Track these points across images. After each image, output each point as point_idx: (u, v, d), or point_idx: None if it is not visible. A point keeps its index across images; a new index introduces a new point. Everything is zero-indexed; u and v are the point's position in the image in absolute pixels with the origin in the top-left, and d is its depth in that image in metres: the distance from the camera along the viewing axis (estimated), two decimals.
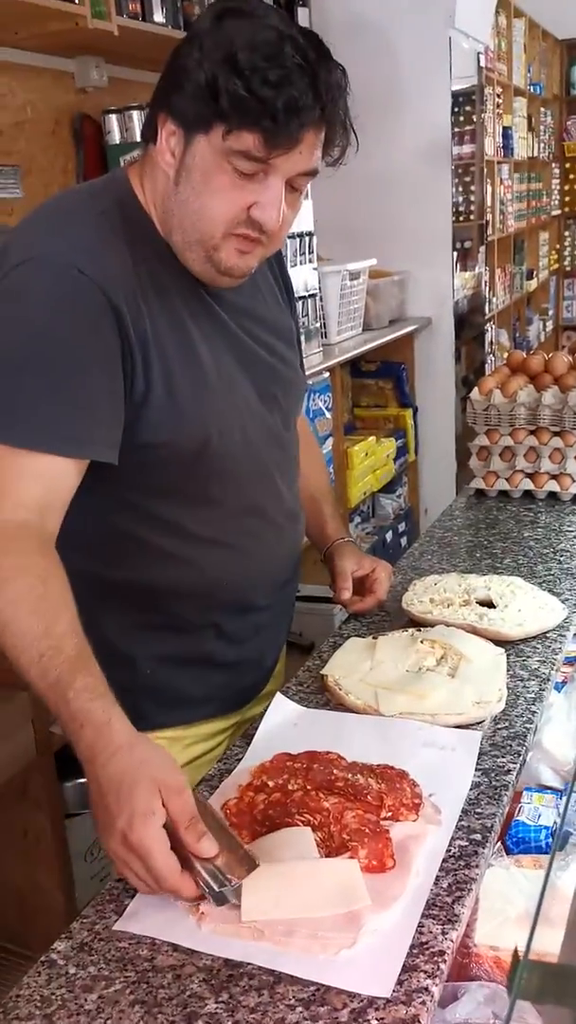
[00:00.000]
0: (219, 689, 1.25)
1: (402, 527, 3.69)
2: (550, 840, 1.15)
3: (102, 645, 1.03)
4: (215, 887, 0.82)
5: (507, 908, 1.04)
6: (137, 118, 2.46)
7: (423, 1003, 0.74)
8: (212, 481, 1.13)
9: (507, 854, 1.14)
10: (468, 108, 4.51)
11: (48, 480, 0.98)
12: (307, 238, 2.83)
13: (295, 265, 2.76)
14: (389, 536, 3.55)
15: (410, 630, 1.30)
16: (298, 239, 2.77)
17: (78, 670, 0.89)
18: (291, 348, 1.27)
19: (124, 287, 1.02)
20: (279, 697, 1.20)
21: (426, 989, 0.75)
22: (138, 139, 2.44)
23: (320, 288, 2.97)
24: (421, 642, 1.24)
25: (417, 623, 1.35)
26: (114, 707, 0.89)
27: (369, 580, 1.40)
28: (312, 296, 2.89)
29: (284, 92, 0.93)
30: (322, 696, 1.20)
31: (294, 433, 1.29)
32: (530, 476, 1.89)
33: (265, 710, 1.17)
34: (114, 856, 0.83)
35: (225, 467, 1.13)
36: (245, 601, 1.22)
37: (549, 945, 0.83)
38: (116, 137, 2.48)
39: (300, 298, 2.80)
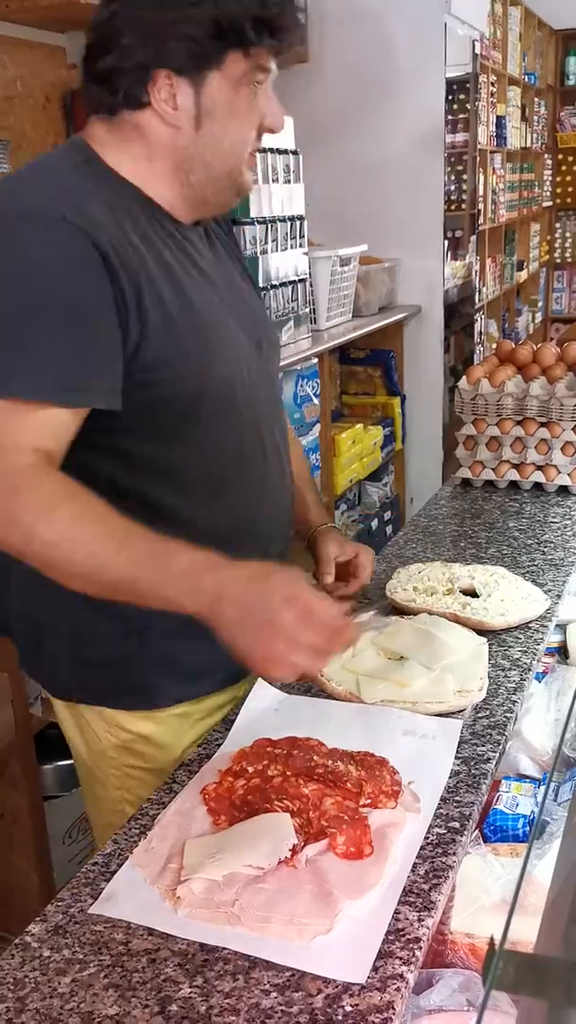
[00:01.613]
0: (227, 658, 1.23)
1: (388, 515, 3.69)
2: (528, 829, 1.15)
3: (113, 618, 1.09)
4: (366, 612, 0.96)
5: (483, 896, 1.05)
6: None
7: (398, 989, 0.74)
8: (209, 419, 1.12)
9: (484, 842, 1.15)
10: (462, 96, 4.49)
11: (51, 429, 0.99)
12: (298, 222, 2.81)
13: (285, 249, 2.74)
14: (375, 524, 3.55)
15: (393, 617, 1.30)
16: (288, 223, 2.74)
17: (160, 539, 0.94)
18: (252, 291, 1.28)
19: (111, 233, 1.02)
20: (260, 683, 1.19)
21: (401, 976, 0.75)
22: None
23: (310, 273, 2.95)
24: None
25: (400, 611, 1.34)
26: (200, 548, 0.94)
27: (352, 565, 1.38)
28: (302, 281, 2.87)
29: (286, 5, 1.05)
30: (304, 682, 1.20)
31: (278, 373, 1.30)
32: (516, 467, 1.89)
33: (245, 695, 1.16)
34: (279, 640, 0.87)
35: (224, 404, 1.13)
36: (254, 553, 1.20)
37: (525, 934, 0.83)
38: None
39: (290, 282, 2.78)
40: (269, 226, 2.63)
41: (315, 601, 0.89)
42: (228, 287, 1.19)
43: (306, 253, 2.90)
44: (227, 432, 1.14)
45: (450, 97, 3.71)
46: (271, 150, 2.68)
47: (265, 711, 1.14)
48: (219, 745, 1.08)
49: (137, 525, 0.96)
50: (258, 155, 2.53)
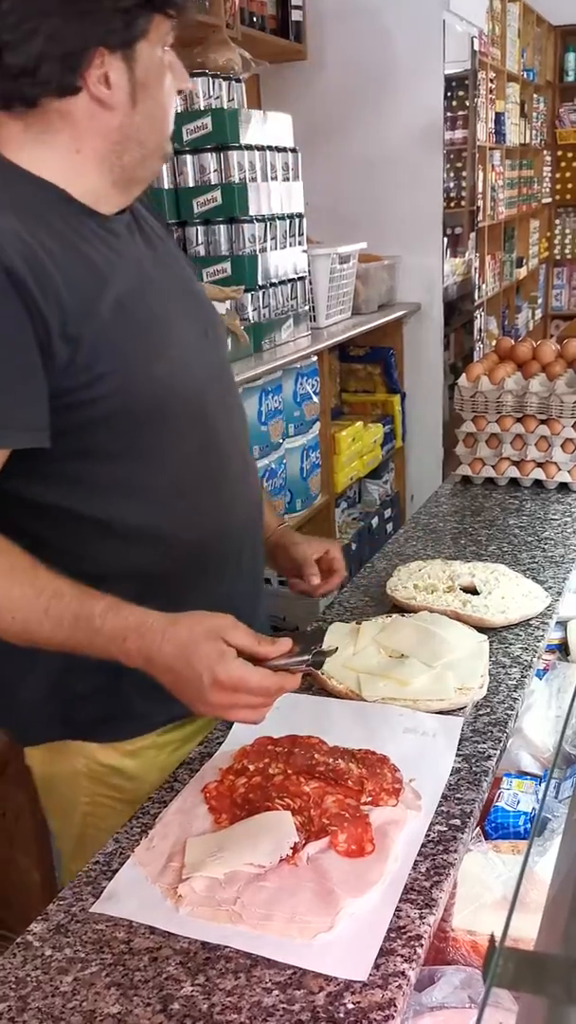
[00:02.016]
0: None
1: (388, 513, 3.69)
2: (528, 826, 1.15)
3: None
4: (310, 657, 0.91)
5: (484, 893, 1.05)
6: None
7: (399, 987, 0.74)
8: (166, 430, 1.06)
9: (486, 839, 1.15)
10: (461, 93, 4.48)
11: None
12: (297, 220, 2.81)
13: (284, 247, 2.74)
14: (375, 522, 3.55)
15: (393, 615, 1.30)
16: (287, 221, 2.75)
17: (88, 598, 0.92)
18: (197, 282, 1.23)
19: (24, 250, 0.94)
20: None
21: (402, 973, 0.75)
22: None
23: (309, 271, 2.95)
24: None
25: (401, 609, 1.34)
26: (139, 609, 0.93)
27: (326, 561, 1.34)
28: (301, 279, 2.88)
29: None
30: (305, 680, 1.20)
31: (232, 373, 1.24)
32: (516, 464, 1.89)
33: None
34: (218, 709, 0.90)
35: (177, 411, 1.07)
36: (228, 562, 1.17)
37: (526, 931, 0.84)
38: None
39: (289, 280, 2.78)
40: (268, 224, 2.63)
41: (241, 676, 0.88)
42: (166, 275, 1.12)
43: (305, 251, 2.90)
44: (186, 435, 1.09)
45: (449, 94, 3.71)
46: (270, 148, 2.68)
47: None
48: (220, 743, 1.08)
49: (62, 580, 0.93)
50: (249, 153, 2.55)
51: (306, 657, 0.91)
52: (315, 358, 2.87)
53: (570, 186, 7.31)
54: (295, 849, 0.86)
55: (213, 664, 0.88)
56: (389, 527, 3.64)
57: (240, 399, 1.25)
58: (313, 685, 1.19)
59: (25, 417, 0.95)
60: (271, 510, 1.38)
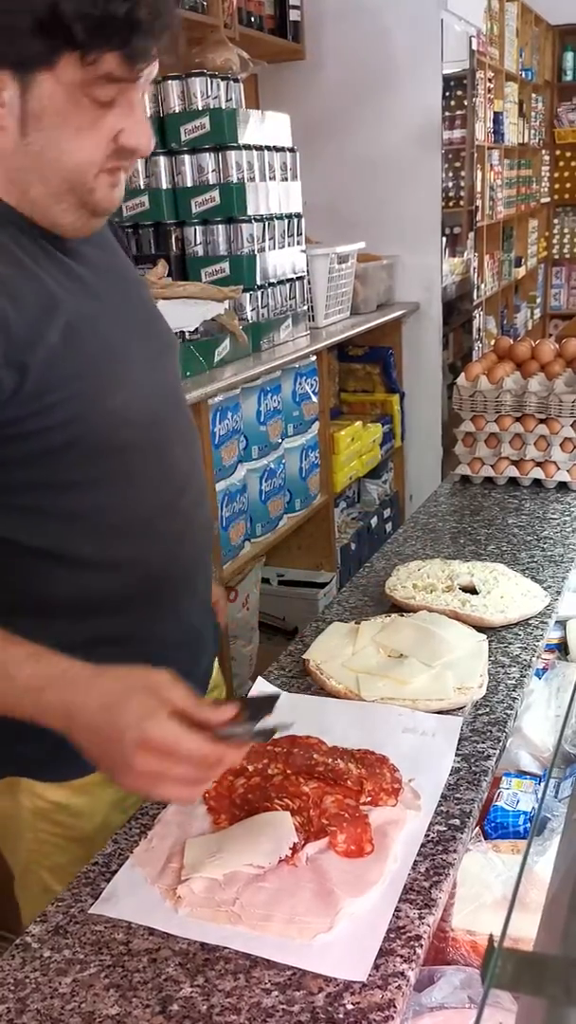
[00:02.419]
0: None
1: (387, 512, 3.69)
2: (528, 825, 1.15)
3: None
4: (253, 728, 0.79)
5: (484, 893, 1.05)
6: None
7: (399, 987, 0.73)
8: (120, 460, 1.02)
9: (485, 839, 1.15)
10: (459, 92, 4.48)
11: None
12: (295, 220, 2.81)
13: (282, 247, 2.74)
14: (374, 521, 3.55)
15: (392, 615, 1.30)
16: (286, 220, 2.74)
17: (5, 644, 0.83)
18: (154, 303, 1.17)
19: None
20: (260, 681, 1.19)
21: (402, 974, 0.75)
22: None
23: (308, 271, 2.95)
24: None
25: (400, 608, 1.34)
26: (61, 656, 0.83)
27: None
28: (300, 279, 2.88)
29: (141, 2, 0.84)
30: (304, 680, 1.20)
31: (184, 397, 1.19)
32: (515, 463, 1.89)
33: (245, 694, 1.16)
34: (142, 779, 0.78)
35: (131, 441, 1.02)
36: (182, 591, 1.11)
37: (525, 931, 0.83)
38: None
39: (287, 280, 2.78)
40: (266, 224, 2.63)
41: (174, 738, 0.76)
42: (121, 300, 1.07)
43: (304, 251, 2.90)
44: (142, 464, 1.05)
45: (447, 93, 3.71)
46: (268, 148, 2.68)
47: None
48: None
49: None
50: (247, 153, 2.55)
51: (252, 727, 0.80)
52: (314, 358, 2.87)
53: (569, 186, 7.31)
54: (294, 849, 0.86)
55: (142, 720, 0.76)
56: (388, 527, 3.64)
57: (193, 423, 1.19)
58: (312, 685, 1.19)
59: None
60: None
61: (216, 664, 1.29)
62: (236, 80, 2.64)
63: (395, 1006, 0.72)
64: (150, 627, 1.08)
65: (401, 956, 0.76)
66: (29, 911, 1.13)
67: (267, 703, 0.84)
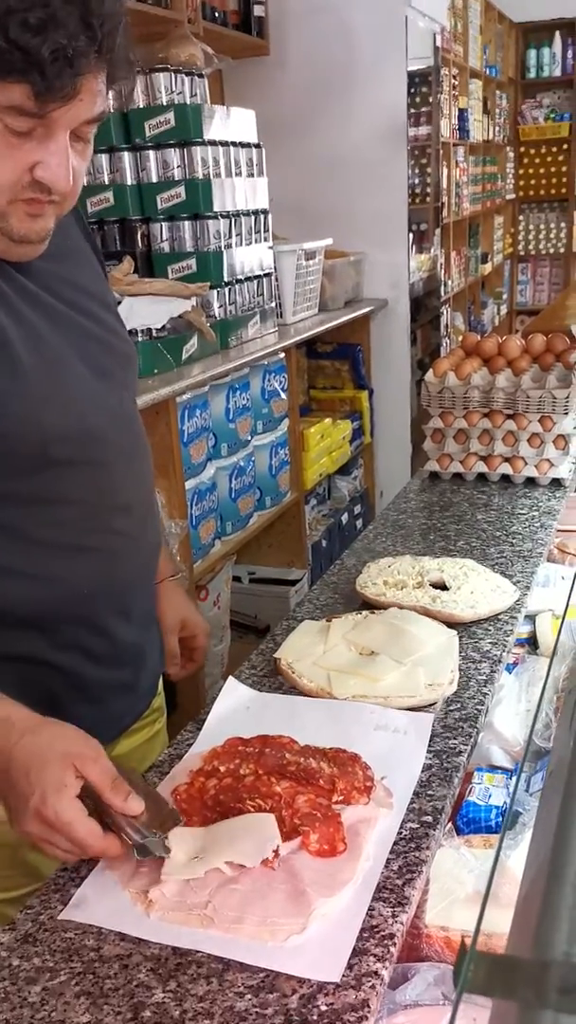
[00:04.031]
0: (84, 723, 1.01)
1: (357, 509, 3.70)
2: (500, 820, 1.16)
3: None
4: (138, 839, 0.84)
5: (457, 889, 1.05)
6: None
7: (373, 987, 0.73)
8: (54, 477, 1.00)
9: (458, 834, 1.15)
10: (424, 89, 4.50)
11: None
12: (262, 216, 2.80)
13: (249, 243, 2.73)
14: (344, 518, 3.55)
15: (363, 612, 1.30)
16: (252, 217, 2.73)
17: None
18: (116, 317, 1.14)
19: None
20: (231, 681, 1.18)
21: (376, 973, 0.74)
22: None
23: (275, 267, 2.94)
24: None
25: (371, 605, 1.34)
26: (5, 701, 0.88)
27: (191, 644, 1.33)
28: (267, 275, 2.87)
29: (50, 37, 0.79)
30: (275, 679, 1.19)
31: (137, 412, 1.16)
32: (484, 459, 1.90)
33: (216, 694, 1.15)
34: (31, 836, 0.84)
35: (67, 458, 1.00)
36: (110, 612, 1.09)
37: (500, 926, 0.84)
38: None
39: (255, 277, 2.77)
40: (233, 220, 2.62)
41: (68, 820, 0.82)
42: (72, 305, 1.04)
43: (271, 247, 2.89)
44: (78, 482, 1.02)
45: (412, 90, 3.72)
46: (233, 144, 2.67)
47: (236, 709, 1.13)
48: (190, 745, 1.07)
49: None
50: (213, 149, 2.53)
51: (136, 838, 0.84)
52: (282, 355, 2.86)
53: (533, 182, 7.38)
54: (276, 852, 0.85)
55: (47, 792, 0.82)
56: (359, 523, 3.65)
57: (145, 440, 1.16)
58: (284, 684, 1.18)
59: None
60: (168, 557, 1.31)
61: (160, 686, 1.29)
62: (201, 76, 2.62)
63: (369, 1006, 0.72)
64: (77, 642, 1.06)
65: (375, 955, 0.76)
66: None
67: (172, 818, 0.89)
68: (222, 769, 0.97)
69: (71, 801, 0.82)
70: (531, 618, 1.56)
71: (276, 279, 2.98)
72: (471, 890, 1.05)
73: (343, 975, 0.74)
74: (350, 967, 0.75)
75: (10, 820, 0.87)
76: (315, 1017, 0.71)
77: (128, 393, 1.14)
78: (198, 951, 0.77)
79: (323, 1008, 0.71)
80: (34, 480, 0.98)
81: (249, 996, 0.73)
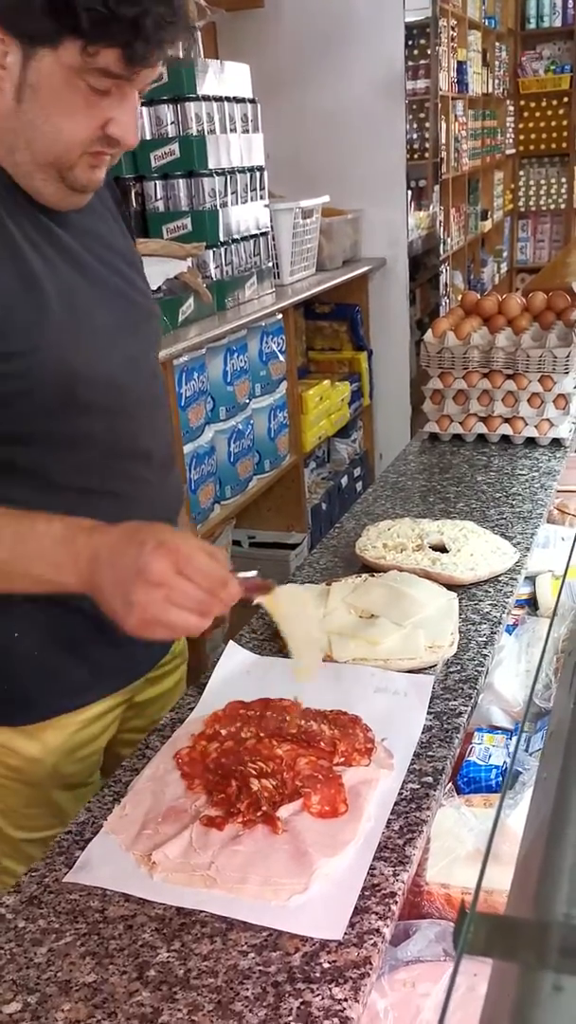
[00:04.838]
0: (107, 666, 1.13)
1: (357, 472, 3.69)
2: (500, 780, 1.16)
3: None
4: (251, 572, 0.89)
5: (458, 847, 1.06)
6: None
7: (374, 944, 0.74)
8: (79, 420, 1.03)
9: (458, 794, 1.16)
10: (422, 41, 4.40)
11: None
12: (258, 173, 2.75)
13: (245, 201, 2.69)
14: (344, 481, 3.54)
15: (363, 575, 1.30)
16: (248, 174, 2.69)
17: (22, 514, 0.90)
18: (141, 276, 1.18)
19: None
20: (232, 645, 1.19)
21: (377, 931, 0.75)
22: None
23: (272, 226, 2.90)
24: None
25: (370, 568, 1.34)
26: (81, 518, 0.90)
27: None
28: (264, 234, 2.83)
29: (146, 7, 0.88)
30: (276, 643, 1.20)
31: (159, 366, 1.21)
32: (483, 419, 1.88)
33: (218, 658, 1.16)
34: (152, 599, 0.81)
35: (92, 402, 1.03)
36: None
37: (500, 883, 0.85)
38: None
39: (251, 236, 2.73)
40: (228, 177, 2.57)
41: (190, 548, 0.83)
42: (99, 259, 1.08)
43: (267, 205, 2.84)
44: (101, 426, 1.05)
45: (410, 42, 3.65)
46: (228, 99, 2.61)
47: (237, 673, 1.14)
48: (191, 709, 1.07)
49: None
50: (207, 104, 2.48)
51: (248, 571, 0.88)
52: (280, 316, 2.83)
53: (533, 136, 7.25)
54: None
55: (161, 533, 0.83)
56: (358, 486, 3.64)
57: (165, 396, 1.21)
58: (284, 648, 1.18)
59: None
60: (186, 515, 1.34)
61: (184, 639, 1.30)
62: (194, 28, 2.56)
63: (371, 963, 0.72)
64: None
65: (376, 913, 0.77)
66: None
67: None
68: (224, 732, 0.98)
69: (190, 537, 0.86)
70: (531, 579, 1.56)
71: (273, 238, 2.94)
72: (471, 848, 1.06)
73: (345, 933, 0.75)
74: (352, 925, 0.76)
75: (116, 617, 0.84)
76: (318, 974, 0.71)
77: (151, 348, 1.18)
78: (202, 911, 0.78)
79: (326, 965, 0.72)
80: (59, 422, 1.01)
81: (252, 955, 0.74)
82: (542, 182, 7.35)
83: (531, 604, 1.56)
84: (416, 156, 4.36)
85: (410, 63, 3.75)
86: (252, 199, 2.73)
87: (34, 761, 1.10)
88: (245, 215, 2.69)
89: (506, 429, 1.86)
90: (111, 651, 1.09)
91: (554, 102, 7.09)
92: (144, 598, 0.82)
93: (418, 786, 0.92)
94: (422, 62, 4.41)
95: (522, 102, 7.19)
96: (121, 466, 1.09)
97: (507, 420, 1.86)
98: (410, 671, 1.10)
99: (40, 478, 1.02)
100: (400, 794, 0.90)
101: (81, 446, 1.04)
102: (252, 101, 2.75)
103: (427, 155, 4.45)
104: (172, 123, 2.47)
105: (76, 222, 1.06)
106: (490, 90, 6.34)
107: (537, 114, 7.19)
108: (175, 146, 2.47)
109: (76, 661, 1.11)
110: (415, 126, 4.45)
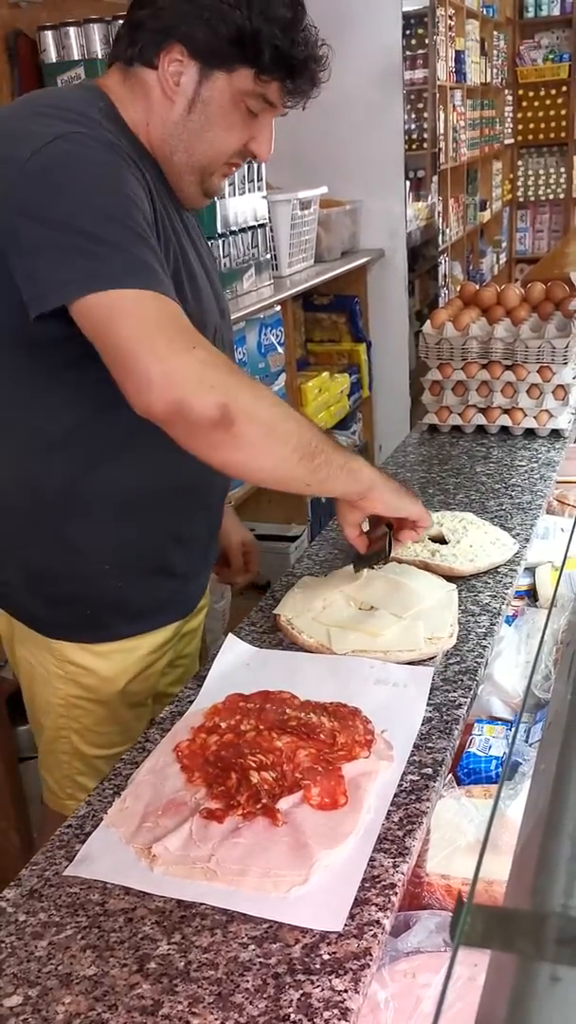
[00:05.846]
0: (172, 598, 1.30)
1: None
2: (500, 770, 1.17)
3: (74, 561, 1.18)
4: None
5: (458, 838, 1.06)
6: (75, 35, 2.33)
7: (374, 935, 0.74)
8: None
9: (458, 785, 1.16)
10: (420, 30, 4.38)
11: None
12: (255, 164, 2.74)
13: (243, 193, 2.67)
14: None
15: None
16: (245, 165, 2.67)
17: (323, 439, 1.06)
18: (216, 275, 1.32)
19: (140, 175, 1.08)
20: (231, 638, 1.19)
21: (377, 922, 0.75)
22: (76, 57, 2.32)
23: (270, 217, 2.89)
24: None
25: None
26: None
27: (248, 557, 1.55)
28: (262, 226, 2.81)
29: (315, 55, 1.11)
30: (275, 636, 1.20)
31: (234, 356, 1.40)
32: (482, 411, 1.88)
33: (217, 651, 1.16)
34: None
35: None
36: (206, 503, 1.28)
37: (499, 873, 0.85)
38: (52, 55, 2.35)
39: (249, 228, 2.72)
40: None
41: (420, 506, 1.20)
42: (200, 258, 1.24)
43: (265, 197, 2.83)
44: None
45: (407, 31, 3.63)
46: None
47: (236, 666, 1.14)
48: (191, 702, 1.07)
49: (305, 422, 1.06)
50: None
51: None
52: (278, 308, 2.82)
53: (532, 126, 7.22)
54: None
55: (415, 498, 1.19)
56: None
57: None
58: (284, 640, 1.18)
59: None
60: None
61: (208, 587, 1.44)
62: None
63: (371, 954, 0.73)
64: (170, 524, 1.23)
65: (376, 905, 0.77)
66: (56, 777, 1.31)
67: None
68: (223, 725, 0.98)
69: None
70: (530, 570, 1.56)
71: (271, 230, 2.92)
72: (471, 839, 1.06)
73: (345, 924, 0.75)
74: (352, 917, 0.76)
75: (407, 503, 1.18)
76: (318, 966, 0.72)
77: (232, 338, 1.38)
78: (202, 904, 0.78)
79: (326, 957, 0.72)
80: None
81: (253, 947, 0.74)
82: (541, 172, 7.32)
83: (530, 595, 1.56)
84: (414, 146, 4.34)
85: (408, 53, 3.74)
86: (250, 190, 2.72)
87: (107, 680, 1.24)
88: (243, 207, 2.68)
89: (505, 420, 1.86)
90: (176, 587, 1.28)
91: (553, 91, 7.05)
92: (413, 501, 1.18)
93: (418, 777, 0.92)
94: (420, 52, 4.39)
95: (520, 91, 7.15)
96: None
97: (506, 411, 1.86)
98: (410, 663, 1.10)
99: (135, 432, 1.05)
100: (400, 785, 0.90)
101: None
102: None
103: (425, 145, 4.43)
104: None
105: (191, 222, 1.25)
106: (488, 79, 6.31)
107: (536, 103, 7.16)
108: None
109: (150, 593, 1.25)
110: (413, 116, 4.43)
